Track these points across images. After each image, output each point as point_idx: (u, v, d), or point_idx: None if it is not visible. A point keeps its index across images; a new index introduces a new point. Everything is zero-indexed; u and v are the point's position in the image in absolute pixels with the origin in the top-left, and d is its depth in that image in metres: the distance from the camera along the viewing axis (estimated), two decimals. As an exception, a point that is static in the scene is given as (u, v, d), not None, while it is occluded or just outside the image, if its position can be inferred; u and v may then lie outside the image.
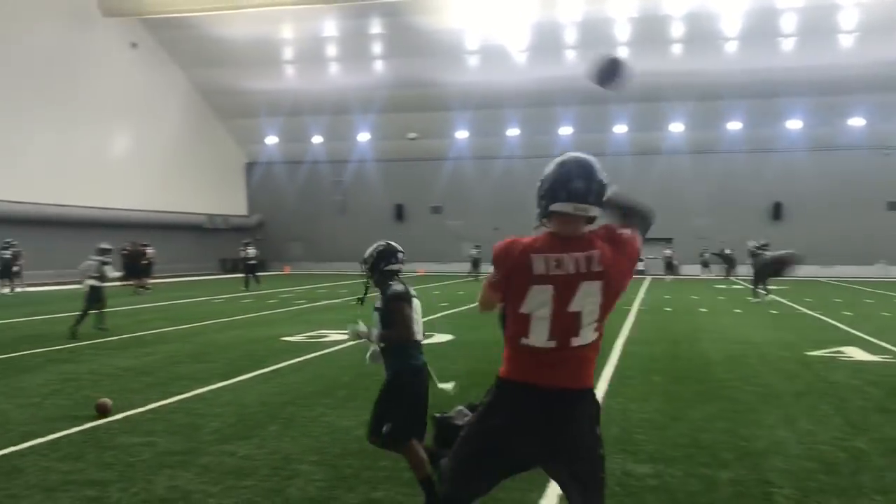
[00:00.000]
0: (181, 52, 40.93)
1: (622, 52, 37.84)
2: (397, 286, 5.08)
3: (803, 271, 35.50)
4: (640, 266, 42.69)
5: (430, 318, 17.40)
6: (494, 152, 43.97)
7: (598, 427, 3.00)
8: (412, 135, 41.43)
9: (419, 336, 4.98)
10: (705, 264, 39.40)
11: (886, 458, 5.97)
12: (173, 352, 11.81)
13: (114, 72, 36.71)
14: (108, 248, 15.05)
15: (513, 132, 43.19)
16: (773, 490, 5.16)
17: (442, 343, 12.78)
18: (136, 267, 26.73)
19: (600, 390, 8.56)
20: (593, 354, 3.00)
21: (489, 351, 11.90)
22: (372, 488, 5.19)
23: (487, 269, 3.00)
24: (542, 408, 2.89)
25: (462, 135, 43.99)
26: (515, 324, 2.95)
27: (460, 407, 6.38)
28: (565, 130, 42.41)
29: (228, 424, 7.02)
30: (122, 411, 7.51)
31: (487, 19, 37.14)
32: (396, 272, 5.22)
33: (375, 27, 38.45)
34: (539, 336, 2.89)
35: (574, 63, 38.72)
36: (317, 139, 46.17)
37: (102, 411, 7.23)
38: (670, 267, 38.11)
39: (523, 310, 2.90)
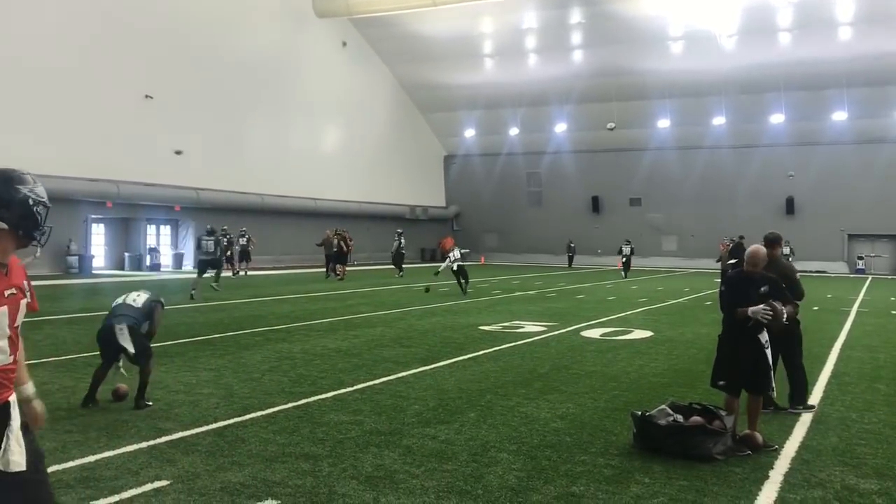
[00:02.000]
0: (387, 50, 42.72)
1: (843, 33, 35.00)
2: None
3: None
4: (859, 265, 39.33)
5: (628, 313, 17.02)
6: (698, 142, 42.08)
7: None
8: (611, 125, 40.59)
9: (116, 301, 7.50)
10: None
11: None
12: (377, 335, 12.38)
13: (326, 70, 39.04)
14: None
15: (718, 121, 41.10)
16: None
17: (641, 339, 12.43)
18: (342, 255, 28.31)
19: (815, 397, 7.94)
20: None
21: (690, 349, 11.45)
22: (570, 482, 5.14)
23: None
24: None
25: (664, 124, 42.46)
26: None
27: (663, 406, 6.19)
28: (776, 119, 39.76)
29: (429, 408, 7.24)
30: (333, 390, 7.98)
31: (693, 4, 35.57)
32: None
33: (575, 16, 38.00)
34: None
35: (789, 47, 36.22)
36: (513, 131, 46.46)
37: (118, 397, 7.38)
38: None
39: None
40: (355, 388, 8.16)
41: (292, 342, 11.46)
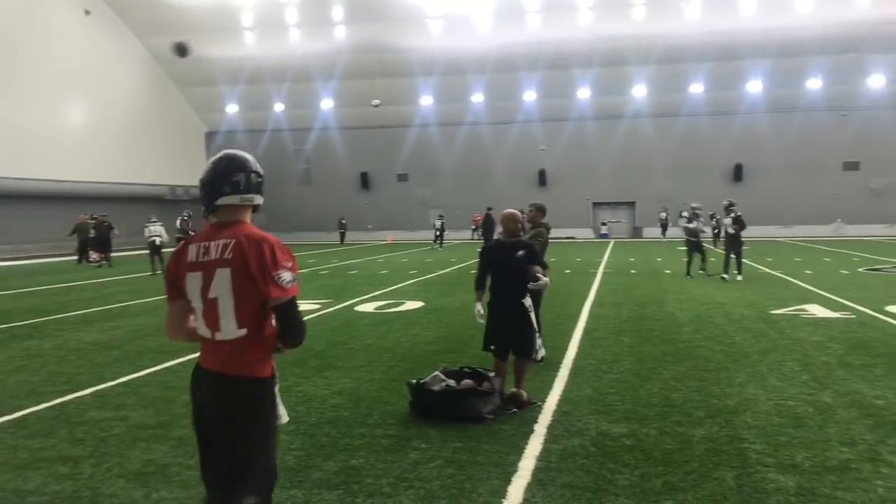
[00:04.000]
0: (136, 19, 39.91)
1: (584, 17, 37.88)
2: None
3: (763, 231, 36.20)
4: (603, 230, 43.20)
5: (400, 285, 17.40)
6: (459, 118, 43.78)
7: (260, 416, 2.97)
8: (376, 101, 41.00)
9: None
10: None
11: (850, 411, 6.12)
12: (140, 325, 11.65)
13: (67, 40, 35.69)
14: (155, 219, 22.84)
15: (477, 98, 42.99)
16: (745, 446, 5.27)
17: (413, 310, 12.77)
18: (105, 240, 26.25)
19: (570, 352, 8.62)
20: (251, 348, 2.98)
21: (459, 316, 11.94)
22: (350, 456, 5.19)
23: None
24: (207, 389, 3.01)
25: (426, 101, 43.66)
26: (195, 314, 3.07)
27: (436, 372, 6.41)
28: (529, 96, 42.35)
29: (201, 396, 6.95)
30: (92, 386, 7.41)
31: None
32: None
33: (336, -8, 37.83)
34: (200, 325, 3.04)
35: (538, 28, 38.57)
36: (278, 107, 45.48)
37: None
38: (665, 228, 39.70)
39: (188, 297, 3.03)
40: (118, 381, 7.64)
41: (42, 338, 10.49)
